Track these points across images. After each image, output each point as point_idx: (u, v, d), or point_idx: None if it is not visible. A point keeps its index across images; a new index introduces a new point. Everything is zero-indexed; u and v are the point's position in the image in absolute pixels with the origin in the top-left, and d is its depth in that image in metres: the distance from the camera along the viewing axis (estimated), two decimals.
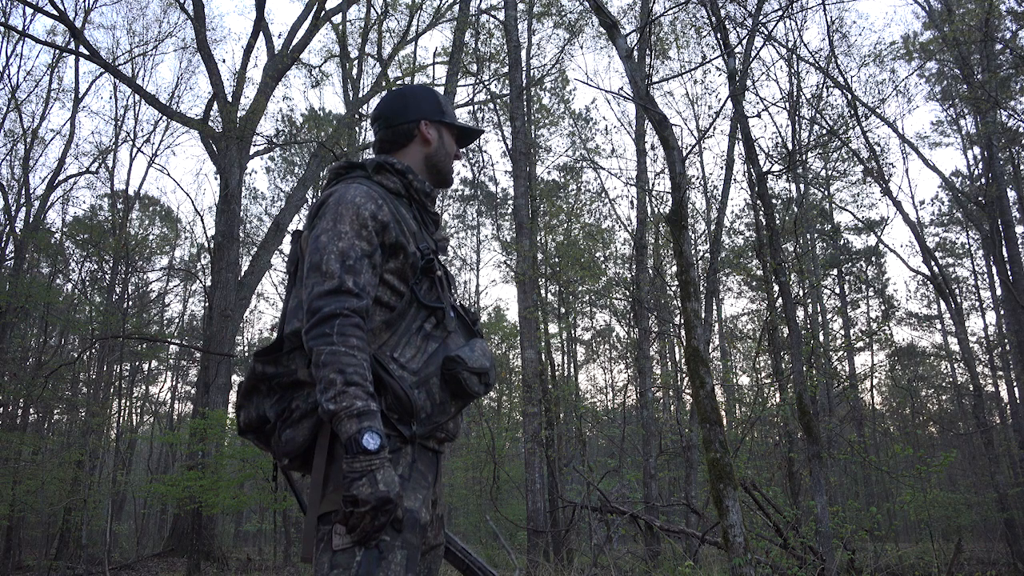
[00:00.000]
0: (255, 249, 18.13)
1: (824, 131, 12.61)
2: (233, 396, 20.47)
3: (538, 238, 15.18)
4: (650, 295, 13.84)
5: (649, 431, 12.25)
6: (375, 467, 1.43)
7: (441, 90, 17.03)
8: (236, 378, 26.35)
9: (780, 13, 8.92)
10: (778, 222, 10.80)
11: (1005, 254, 14.12)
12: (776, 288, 8.28)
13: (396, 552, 1.48)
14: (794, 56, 11.10)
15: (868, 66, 22.05)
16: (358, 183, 1.69)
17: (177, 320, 28.33)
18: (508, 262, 24.07)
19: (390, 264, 1.65)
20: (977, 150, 18.14)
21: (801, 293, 11.44)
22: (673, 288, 13.66)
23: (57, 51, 18.43)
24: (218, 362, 13.99)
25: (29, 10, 17.23)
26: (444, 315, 1.70)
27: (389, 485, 1.44)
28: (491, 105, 17.06)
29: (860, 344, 23.44)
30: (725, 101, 9.60)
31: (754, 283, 21.13)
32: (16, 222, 18.14)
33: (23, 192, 18.30)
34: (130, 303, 22.31)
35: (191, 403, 24.66)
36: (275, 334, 1.70)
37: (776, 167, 12.01)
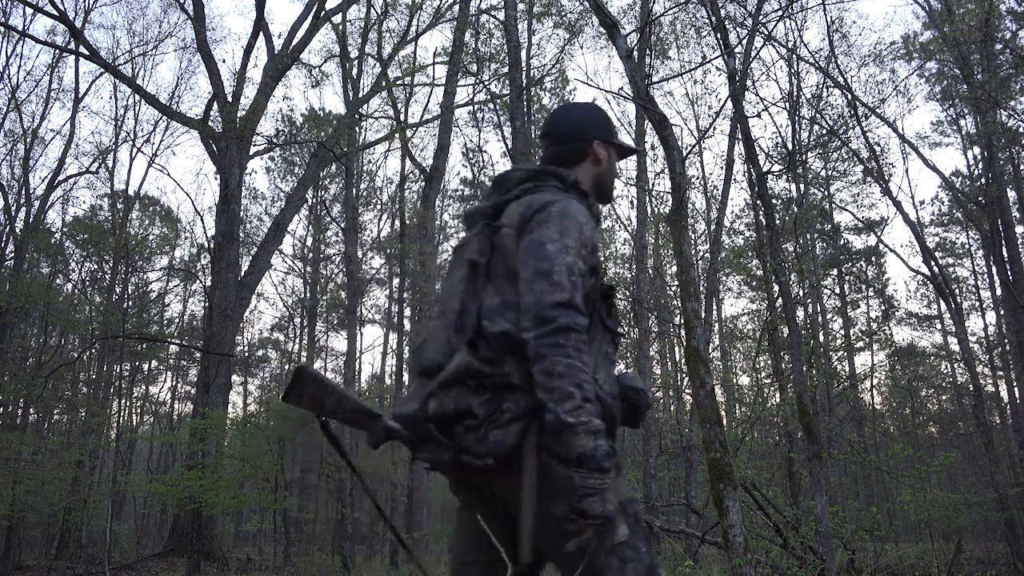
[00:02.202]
0: (255, 249, 18.13)
1: (824, 131, 12.62)
2: (232, 396, 20.52)
3: None
4: (650, 295, 13.84)
5: (649, 431, 12.25)
6: (607, 486, 1.47)
7: (441, 90, 17.03)
8: (236, 378, 26.39)
9: (780, 13, 8.93)
10: (778, 222, 10.79)
11: (1005, 254, 14.12)
12: (776, 288, 8.28)
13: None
14: (794, 56, 11.11)
15: (868, 66, 22.05)
16: (575, 200, 1.73)
17: (177, 320, 28.35)
18: None
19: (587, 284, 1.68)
20: (977, 150, 18.15)
21: (801, 293, 11.44)
22: (673, 288, 13.66)
23: (57, 51, 18.44)
24: (218, 362, 13.98)
25: (29, 10, 17.24)
26: (618, 340, 1.75)
27: (614, 505, 1.49)
28: (491, 105, 17.05)
29: (860, 344, 23.44)
30: (725, 101, 9.61)
31: (754, 283, 21.13)
32: (16, 222, 18.16)
33: (23, 192, 18.31)
34: (130, 303, 22.31)
35: (191, 403, 24.66)
36: (441, 322, 1.67)
37: (776, 167, 12.01)
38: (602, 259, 1.74)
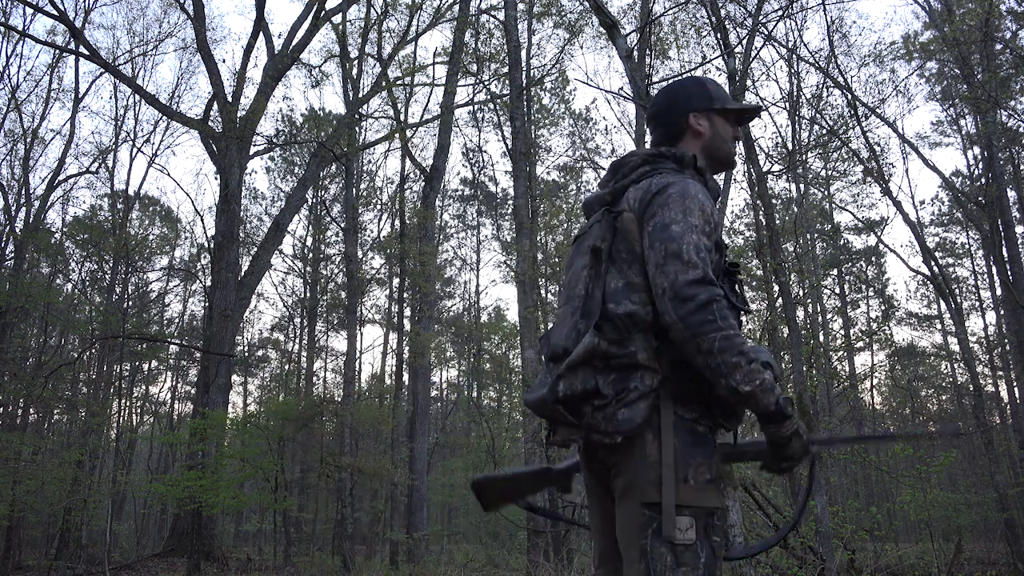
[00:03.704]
0: (255, 249, 18.13)
1: (824, 131, 12.62)
2: (232, 396, 20.51)
3: (538, 238, 15.18)
4: None
5: None
6: (796, 426, 1.59)
7: (441, 90, 17.04)
8: (236, 378, 26.36)
9: (780, 13, 8.93)
10: (778, 222, 10.79)
11: (1005, 254, 14.11)
12: (776, 288, 8.28)
13: (722, 550, 1.61)
14: (794, 56, 11.12)
15: (868, 66, 22.02)
16: (694, 180, 1.76)
17: (177, 320, 28.34)
18: (508, 262, 24.06)
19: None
20: (977, 150, 18.13)
21: (801, 293, 11.43)
22: None
23: (57, 51, 18.43)
24: (218, 362, 13.98)
25: (29, 10, 17.24)
26: (743, 316, 1.78)
27: (807, 437, 1.61)
28: (491, 105, 17.06)
29: (860, 344, 23.43)
30: None
31: (754, 283, 21.11)
32: (16, 222, 18.16)
33: (23, 192, 18.30)
34: (130, 303, 22.30)
35: (191, 403, 24.66)
36: (567, 308, 1.75)
37: (776, 167, 12.02)
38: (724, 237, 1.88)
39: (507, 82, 13.62)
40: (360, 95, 17.12)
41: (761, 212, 8.97)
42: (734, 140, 1.94)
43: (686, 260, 1.57)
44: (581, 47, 26.96)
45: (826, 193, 20.67)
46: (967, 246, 23.66)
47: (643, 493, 1.57)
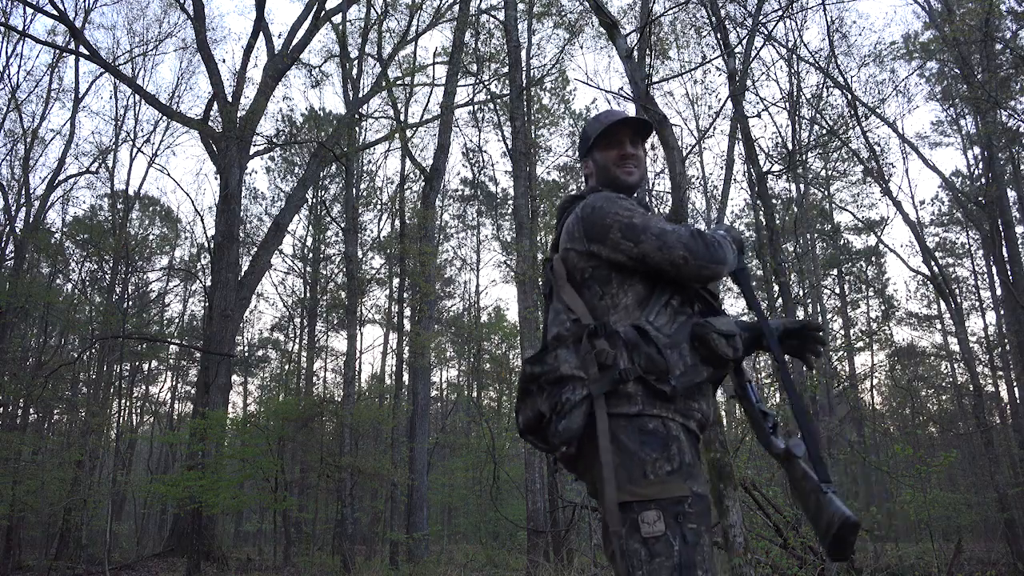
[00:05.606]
0: (255, 249, 18.12)
1: (824, 131, 12.61)
2: (232, 396, 20.50)
3: (538, 238, 15.17)
4: None
5: None
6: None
7: (441, 90, 17.03)
8: (236, 378, 26.36)
9: (780, 13, 8.93)
10: (778, 222, 10.79)
11: (1005, 254, 14.11)
12: (776, 288, 8.28)
13: (703, 536, 1.65)
14: (794, 56, 11.11)
15: (868, 66, 22.02)
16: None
17: (177, 320, 28.33)
18: (508, 262, 24.06)
19: None
20: (977, 150, 18.15)
21: (801, 293, 11.43)
22: None
23: (57, 51, 18.44)
24: (218, 362, 13.98)
25: (29, 10, 17.25)
26: (690, 294, 1.89)
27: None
28: (491, 105, 17.06)
29: (860, 344, 23.45)
30: (725, 101, 9.60)
31: (754, 283, 21.10)
32: (16, 222, 18.16)
33: (23, 192, 18.31)
34: (130, 303, 22.30)
35: (191, 403, 24.65)
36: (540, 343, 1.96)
37: (776, 167, 12.02)
38: None
39: (507, 82, 13.62)
40: (360, 95, 17.11)
41: (761, 212, 8.97)
42: (621, 158, 2.03)
43: (670, 230, 1.79)
44: (581, 47, 26.92)
45: (826, 193, 20.67)
46: (967, 246, 23.69)
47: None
